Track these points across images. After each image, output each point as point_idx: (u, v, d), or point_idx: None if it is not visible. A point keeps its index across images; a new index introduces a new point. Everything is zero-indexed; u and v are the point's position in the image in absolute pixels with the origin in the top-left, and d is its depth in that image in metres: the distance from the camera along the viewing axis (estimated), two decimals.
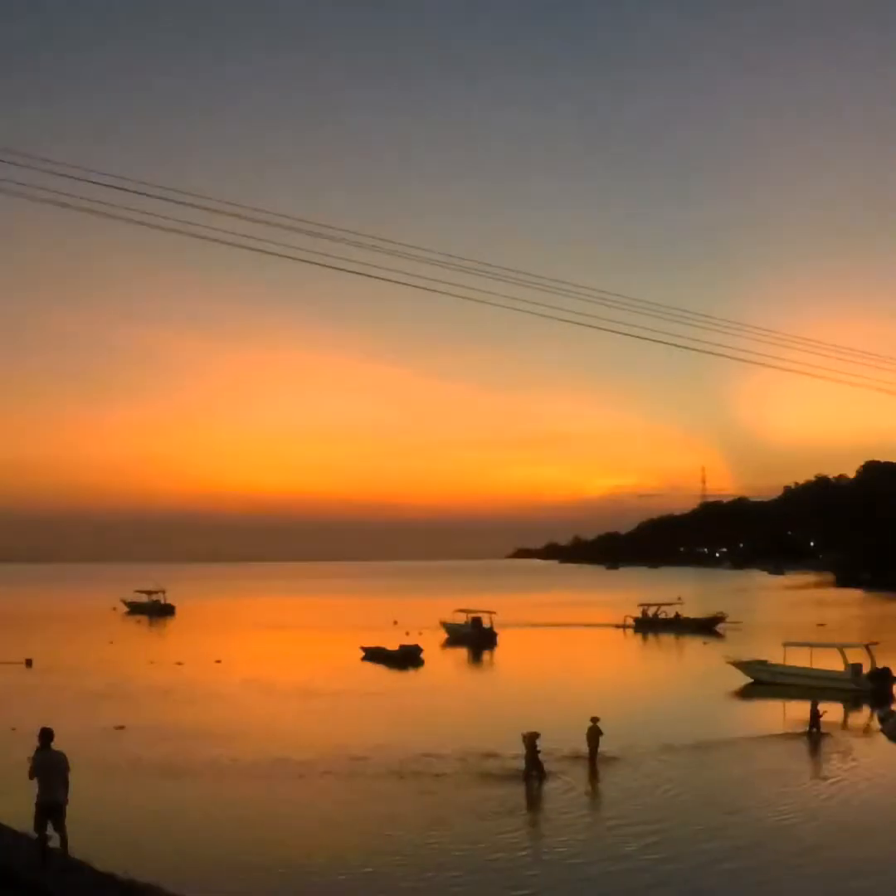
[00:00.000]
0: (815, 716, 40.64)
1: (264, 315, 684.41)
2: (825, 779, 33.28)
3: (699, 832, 26.42)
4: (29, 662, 67.91)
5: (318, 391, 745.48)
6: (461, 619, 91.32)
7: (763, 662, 57.30)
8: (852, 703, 49.00)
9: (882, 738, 39.33)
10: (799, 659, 54.92)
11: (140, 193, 26.72)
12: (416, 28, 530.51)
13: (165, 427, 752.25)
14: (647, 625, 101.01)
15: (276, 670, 65.65)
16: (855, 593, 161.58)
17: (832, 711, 43.03)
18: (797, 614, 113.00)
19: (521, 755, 33.15)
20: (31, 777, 19.92)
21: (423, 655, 72.37)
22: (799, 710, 43.77)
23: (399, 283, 31.76)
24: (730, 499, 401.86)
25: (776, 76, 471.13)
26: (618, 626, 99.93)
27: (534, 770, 32.60)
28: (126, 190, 26.30)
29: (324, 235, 29.75)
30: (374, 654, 72.82)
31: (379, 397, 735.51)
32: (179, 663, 69.15)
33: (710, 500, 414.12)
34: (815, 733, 40.13)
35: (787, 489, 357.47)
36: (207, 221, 28.32)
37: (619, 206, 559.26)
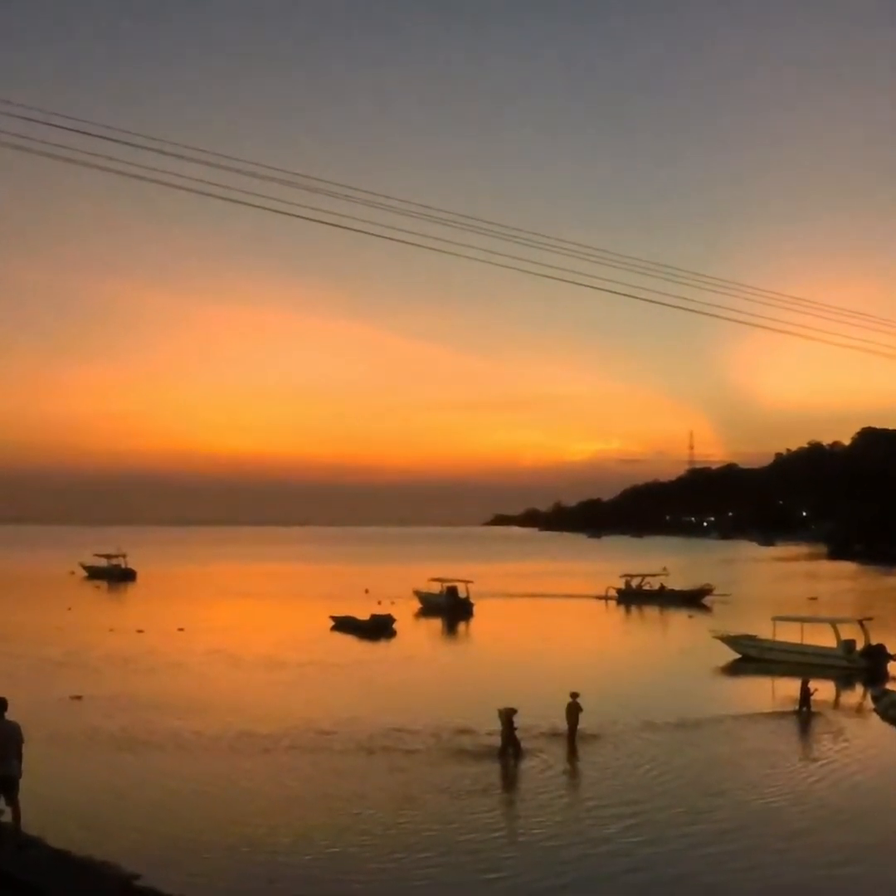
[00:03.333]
0: (805, 694, 40.86)
1: (234, 269, 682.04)
2: (815, 760, 33.46)
3: (682, 814, 26.58)
4: None
5: (290, 349, 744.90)
6: (436, 588, 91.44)
7: (751, 637, 57.56)
8: (845, 682, 49.29)
9: (875, 718, 39.59)
10: (789, 634, 55.18)
11: (105, 138, 26.20)
12: None
13: (128, 384, 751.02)
14: (631, 597, 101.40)
15: (242, 640, 65.60)
16: (848, 566, 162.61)
17: (823, 689, 43.28)
18: (787, 587, 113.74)
19: (497, 731, 33.24)
20: None
21: (395, 626, 72.46)
22: (788, 688, 44.05)
23: (375, 235, 31.48)
24: (718, 465, 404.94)
25: (772, 28, 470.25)
26: (600, 598, 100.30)
27: (510, 747, 32.70)
28: (89, 134, 25.78)
29: (297, 185, 29.43)
30: (344, 624, 72.91)
31: (352, 356, 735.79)
32: (140, 631, 68.96)
33: (698, 466, 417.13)
34: (804, 712, 40.32)
35: (779, 456, 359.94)
36: (176, 169, 27.93)
37: (607, 159, 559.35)
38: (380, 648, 65.09)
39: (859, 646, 53.07)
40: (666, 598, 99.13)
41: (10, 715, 20.23)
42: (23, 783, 20.02)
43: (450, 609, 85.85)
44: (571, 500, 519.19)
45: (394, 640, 68.67)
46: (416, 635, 72.99)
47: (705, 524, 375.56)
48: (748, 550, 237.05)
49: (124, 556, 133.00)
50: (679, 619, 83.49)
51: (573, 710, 35.12)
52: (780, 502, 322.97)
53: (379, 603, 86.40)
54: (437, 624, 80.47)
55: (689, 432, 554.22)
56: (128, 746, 34.27)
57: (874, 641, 53.25)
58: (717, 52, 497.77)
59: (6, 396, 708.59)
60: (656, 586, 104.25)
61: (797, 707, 40.74)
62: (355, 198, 30.28)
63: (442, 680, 51.72)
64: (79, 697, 43.23)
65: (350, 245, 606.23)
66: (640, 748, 34.44)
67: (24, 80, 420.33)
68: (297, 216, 30.10)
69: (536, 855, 23.53)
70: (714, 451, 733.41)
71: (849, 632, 54.28)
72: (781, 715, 40.63)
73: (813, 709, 40.68)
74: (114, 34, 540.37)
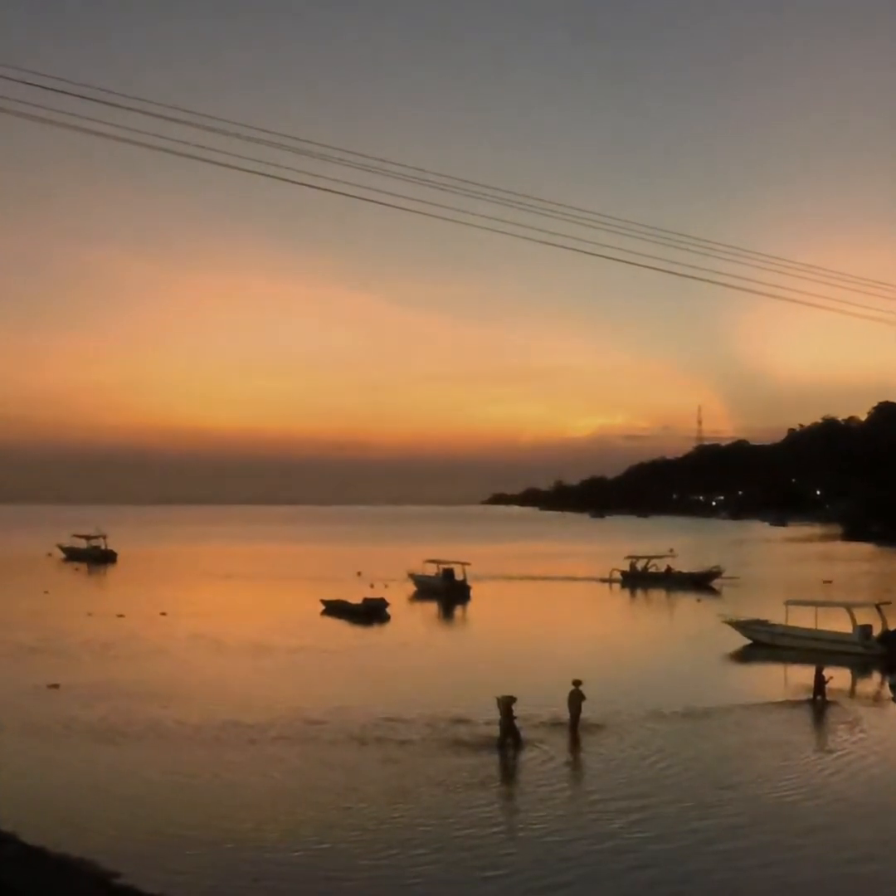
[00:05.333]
0: (819, 682, 40.80)
1: (220, 235, 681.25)
2: (830, 752, 33.36)
3: (690, 809, 26.52)
4: None
5: (278, 319, 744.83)
6: (431, 570, 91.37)
7: (763, 622, 57.52)
8: (861, 669, 49.22)
9: (893, 707, 39.65)
10: (802, 619, 55.13)
11: (83, 98, 26.01)
12: None
13: (108, 355, 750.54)
14: (636, 579, 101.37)
15: (227, 624, 65.52)
16: (865, 547, 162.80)
17: (839, 677, 43.18)
18: (801, 570, 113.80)
19: (496, 721, 33.18)
20: None
21: (388, 610, 72.45)
22: (802, 676, 44.00)
23: (368, 200, 31.38)
24: (728, 442, 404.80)
25: None
26: (603, 581, 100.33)
27: (509, 737, 32.67)
28: (68, 93, 25.57)
29: (286, 147, 29.31)
30: (335, 608, 72.89)
31: (344, 326, 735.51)
32: (120, 615, 68.85)
33: (707, 443, 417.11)
34: (819, 701, 40.30)
35: (792, 432, 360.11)
36: (159, 130, 27.77)
37: (610, 117, 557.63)
38: (372, 634, 65.01)
39: (876, 631, 53.08)
40: (673, 581, 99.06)
41: None
42: None
43: (446, 592, 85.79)
44: (573, 478, 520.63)
45: (387, 625, 68.58)
46: (411, 620, 72.90)
47: (714, 503, 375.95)
48: (759, 531, 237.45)
49: (104, 536, 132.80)
50: (686, 603, 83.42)
51: (575, 699, 35.06)
52: (793, 480, 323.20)
53: (372, 586, 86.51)
54: (432, 608, 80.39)
55: (697, 407, 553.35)
56: (107, 737, 34.16)
57: (892, 627, 53.24)
58: (729, 6, 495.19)
59: None
60: (663, 568, 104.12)
61: (811, 696, 40.69)
62: (347, 160, 30.16)
63: (438, 667, 51.66)
64: (55, 686, 43.07)
65: (342, 210, 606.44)
66: (646, 739, 34.39)
67: None
68: (286, 180, 30.02)
69: (537, 851, 23.47)
70: (723, 426, 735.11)
71: (865, 616, 54.30)
72: (795, 704, 40.61)
73: (828, 698, 40.63)
74: None
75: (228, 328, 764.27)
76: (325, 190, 30.68)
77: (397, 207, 32.30)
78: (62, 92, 25.43)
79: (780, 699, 41.87)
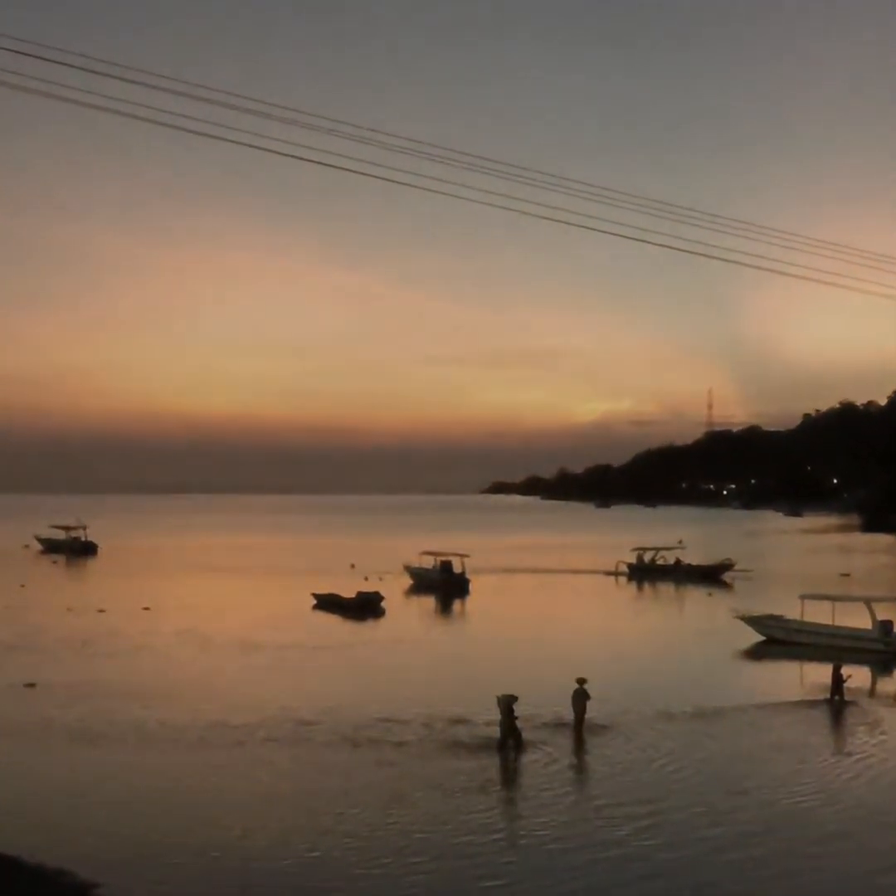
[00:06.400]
0: (837, 681, 40.72)
1: (205, 210, 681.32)
2: (849, 754, 33.31)
3: (701, 815, 26.43)
4: None
5: (267, 298, 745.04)
6: (428, 562, 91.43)
7: (777, 618, 57.53)
8: (881, 667, 49.33)
9: None
10: (819, 614, 55.18)
11: (60, 63, 25.81)
12: None
13: (89, 337, 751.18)
14: (643, 572, 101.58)
15: (214, 620, 65.51)
16: (884, 539, 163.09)
17: (858, 676, 43.19)
18: (817, 562, 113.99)
19: (496, 721, 33.13)
20: None
21: (383, 604, 72.63)
22: (819, 674, 44.10)
23: (361, 173, 31.29)
24: (740, 427, 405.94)
25: None
26: (608, 574, 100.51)
27: (510, 739, 32.62)
28: (40, 58, 25.36)
29: (274, 117, 29.21)
30: (327, 602, 72.97)
31: (336, 306, 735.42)
32: (101, 610, 68.95)
33: (718, 428, 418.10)
34: (837, 701, 40.24)
35: (807, 417, 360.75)
36: (140, 99, 27.61)
37: (618, 87, 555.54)
38: (366, 629, 65.07)
39: None
40: (682, 574, 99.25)
41: None
42: None
43: (444, 586, 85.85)
44: (577, 466, 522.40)
45: (382, 621, 68.67)
46: (407, 615, 72.95)
47: (725, 492, 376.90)
48: (773, 521, 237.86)
49: (84, 527, 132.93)
50: (697, 598, 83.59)
51: (580, 698, 35.09)
52: (809, 468, 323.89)
53: (366, 579, 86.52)
54: (429, 602, 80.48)
55: (707, 390, 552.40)
56: (86, 739, 34.10)
57: None
58: None
59: None
60: (671, 561, 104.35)
61: (829, 695, 40.64)
62: (338, 131, 30.09)
63: (435, 664, 51.65)
64: (32, 685, 43.07)
65: (334, 183, 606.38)
66: (654, 740, 34.34)
67: None
68: (275, 152, 29.93)
69: (540, 859, 23.39)
70: (735, 411, 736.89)
71: (885, 611, 54.27)
72: (811, 704, 40.58)
73: (846, 697, 40.56)
74: None
75: (215, 307, 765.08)
76: (317, 162, 30.63)
77: (392, 181, 32.21)
78: (34, 56, 25.21)
79: (795, 699, 41.85)
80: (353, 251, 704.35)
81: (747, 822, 25.90)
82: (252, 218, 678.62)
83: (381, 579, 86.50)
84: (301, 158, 30.39)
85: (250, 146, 29.80)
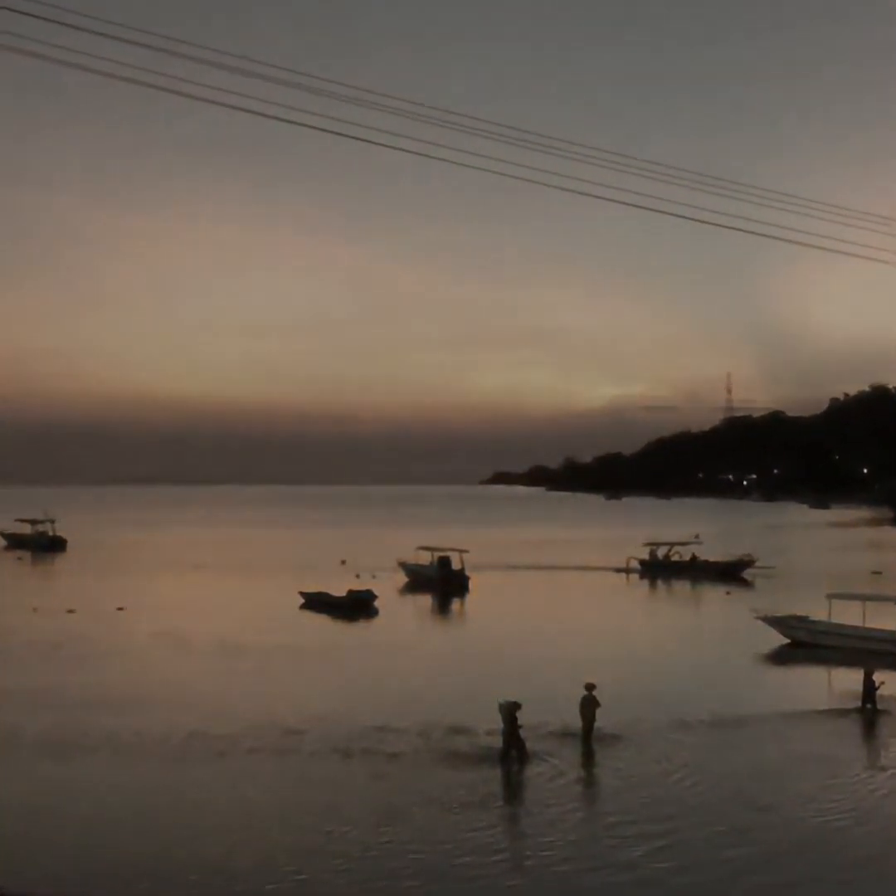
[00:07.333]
0: (869, 687, 40.64)
1: (187, 178, 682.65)
2: (883, 769, 33.28)
3: (721, 834, 26.38)
4: None
5: (253, 274, 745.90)
6: (425, 558, 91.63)
7: (802, 619, 57.51)
8: None
9: None
10: (848, 615, 55.09)
11: (25, 14, 25.51)
12: None
13: (59, 316, 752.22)
14: (657, 569, 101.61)
15: (193, 621, 65.62)
16: None
17: (891, 682, 43.04)
18: (845, 559, 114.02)
19: (498, 730, 33.21)
20: None
21: (376, 603, 72.67)
22: (848, 680, 43.98)
23: (354, 138, 31.08)
24: (761, 413, 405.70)
25: None
26: (619, 571, 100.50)
27: (513, 749, 32.65)
28: (12, 10, 25.08)
29: (262, 76, 28.99)
30: (316, 602, 73.08)
31: (326, 284, 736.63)
32: (71, 611, 69.03)
33: (737, 414, 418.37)
34: (869, 710, 40.14)
35: (834, 402, 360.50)
36: (118, 56, 27.40)
37: (631, 46, 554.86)
38: (358, 630, 65.24)
39: None
40: (698, 571, 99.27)
41: None
42: None
43: (441, 583, 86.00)
44: (585, 455, 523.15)
45: (375, 621, 68.82)
46: (402, 615, 73.13)
47: (745, 483, 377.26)
48: (797, 514, 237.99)
49: (52, 521, 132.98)
50: (714, 597, 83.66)
51: (589, 705, 35.03)
52: (836, 457, 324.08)
53: (357, 576, 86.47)
54: (426, 601, 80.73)
55: (726, 373, 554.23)
56: (54, 751, 34.04)
57: None
58: None
59: None
60: (687, 557, 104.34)
61: (859, 703, 40.57)
62: (333, 92, 29.79)
63: (432, 668, 51.66)
64: None
65: (325, 149, 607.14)
66: (669, 752, 34.31)
67: None
68: (262, 115, 29.69)
69: (546, 882, 23.38)
70: (756, 395, 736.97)
71: None
72: (840, 713, 40.44)
73: (879, 706, 40.42)
74: None
75: (196, 284, 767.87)
76: (309, 126, 30.34)
77: (390, 147, 31.99)
78: (5, 8, 24.91)
79: (823, 707, 41.76)
80: (343, 224, 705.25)
81: (771, 843, 25.81)
82: (238, 187, 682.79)
83: (373, 576, 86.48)
84: (291, 122, 30.06)
85: (235, 108, 29.53)
